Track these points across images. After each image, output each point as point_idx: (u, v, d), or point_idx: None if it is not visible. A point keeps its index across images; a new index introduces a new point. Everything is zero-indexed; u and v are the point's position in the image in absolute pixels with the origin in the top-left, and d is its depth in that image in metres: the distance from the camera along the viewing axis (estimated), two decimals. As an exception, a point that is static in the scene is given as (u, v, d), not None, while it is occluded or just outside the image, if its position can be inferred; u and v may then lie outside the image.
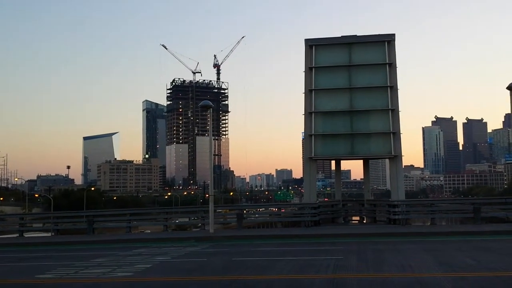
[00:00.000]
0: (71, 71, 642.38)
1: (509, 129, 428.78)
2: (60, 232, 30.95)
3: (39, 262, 18.45)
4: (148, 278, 13.30)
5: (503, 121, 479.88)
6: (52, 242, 26.73)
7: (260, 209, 43.39)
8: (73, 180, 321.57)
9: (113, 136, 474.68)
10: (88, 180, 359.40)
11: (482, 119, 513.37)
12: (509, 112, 24.76)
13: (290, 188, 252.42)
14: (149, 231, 38.86)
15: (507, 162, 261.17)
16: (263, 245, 21.40)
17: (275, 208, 46.14)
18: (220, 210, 34.38)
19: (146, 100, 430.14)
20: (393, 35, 31.78)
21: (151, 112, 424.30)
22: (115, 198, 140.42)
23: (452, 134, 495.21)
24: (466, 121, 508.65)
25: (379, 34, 32.49)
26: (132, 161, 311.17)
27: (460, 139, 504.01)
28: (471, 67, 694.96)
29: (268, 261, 15.87)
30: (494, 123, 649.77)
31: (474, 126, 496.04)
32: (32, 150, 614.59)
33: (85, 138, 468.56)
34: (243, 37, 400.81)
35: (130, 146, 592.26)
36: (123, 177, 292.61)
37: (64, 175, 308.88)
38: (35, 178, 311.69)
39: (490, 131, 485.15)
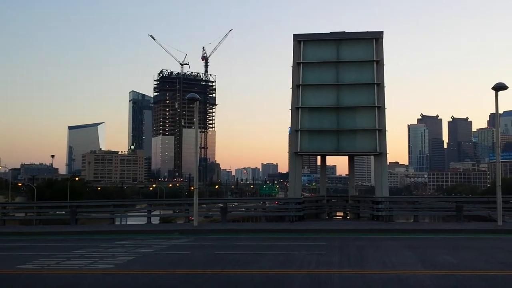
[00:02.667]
0: (58, 60, 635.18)
1: (493, 129, 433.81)
2: (43, 222, 30.64)
3: (20, 252, 18.25)
4: (130, 271, 13.23)
5: (488, 121, 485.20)
6: (34, 232, 26.46)
7: (245, 203, 43.39)
8: (57, 169, 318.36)
9: (98, 126, 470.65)
10: (73, 170, 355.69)
11: (467, 118, 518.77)
12: (494, 112, 25.01)
13: (276, 182, 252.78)
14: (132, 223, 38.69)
15: (491, 161, 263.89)
16: (247, 239, 21.43)
17: (260, 202, 46.19)
18: (205, 205, 34.31)
19: (133, 91, 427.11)
20: (381, 32, 31.90)
21: (138, 103, 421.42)
22: (99, 188, 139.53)
23: (437, 132, 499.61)
24: (451, 119, 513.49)
25: (367, 32, 32.60)
26: (118, 152, 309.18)
27: (445, 137, 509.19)
28: (457, 66, 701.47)
29: (251, 255, 15.88)
30: (479, 122, 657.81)
31: (459, 125, 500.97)
32: (16, 138, 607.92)
33: (70, 128, 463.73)
34: (230, 30, 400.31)
35: (115, 137, 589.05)
36: (108, 168, 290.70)
37: (48, 164, 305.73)
38: (18, 166, 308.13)
39: (475, 130, 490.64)
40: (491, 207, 26.63)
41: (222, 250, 17.56)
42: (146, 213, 30.25)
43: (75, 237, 24.06)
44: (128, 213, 34.85)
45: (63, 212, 30.57)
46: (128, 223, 33.73)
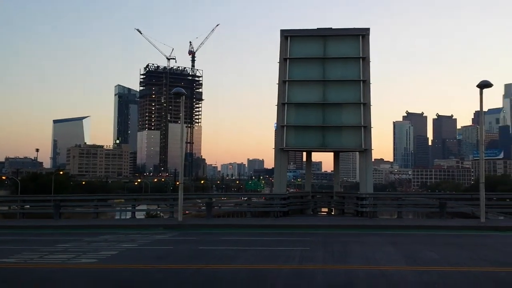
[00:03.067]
0: (43, 53, 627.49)
1: (477, 126, 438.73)
2: (26, 216, 30.30)
3: (3, 246, 18.01)
4: (113, 265, 13.14)
5: (472, 118, 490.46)
6: (17, 225, 26.17)
7: (230, 198, 43.36)
8: (41, 163, 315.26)
9: (83, 120, 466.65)
10: (57, 164, 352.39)
11: (452, 116, 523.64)
12: (479, 109, 25.23)
13: (261, 178, 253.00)
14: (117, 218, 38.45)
15: (474, 158, 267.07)
16: (231, 234, 21.40)
17: (245, 198, 46.20)
18: (190, 201, 34.20)
19: (119, 85, 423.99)
20: (368, 29, 31.96)
21: (123, 97, 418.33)
22: (83, 183, 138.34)
23: (422, 129, 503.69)
24: (436, 117, 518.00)
25: (354, 28, 32.62)
26: (103, 146, 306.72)
27: (430, 134, 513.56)
28: (443, 65, 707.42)
29: (235, 250, 15.86)
30: (464, 120, 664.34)
31: (444, 122, 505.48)
32: (0, 132, 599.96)
33: (55, 121, 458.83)
34: (217, 25, 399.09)
35: (101, 131, 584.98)
36: (93, 162, 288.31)
37: (32, 158, 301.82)
38: (3, 160, 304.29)
39: (459, 127, 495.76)
40: (474, 204, 26.92)
41: (207, 245, 17.51)
42: (130, 209, 30.05)
43: (59, 231, 23.80)
44: (112, 207, 34.57)
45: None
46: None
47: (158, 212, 34.43)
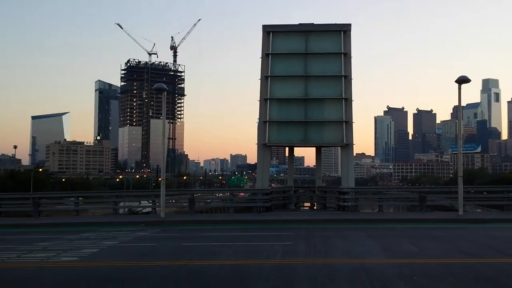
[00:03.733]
0: (21, 48, 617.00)
1: (456, 121, 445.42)
2: (4, 214, 29.84)
3: (-21, 246, 17.73)
4: (94, 263, 13.04)
5: (451, 113, 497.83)
6: (-5, 224, 25.72)
7: (213, 194, 43.33)
8: (20, 160, 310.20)
9: (63, 116, 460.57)
10: (36, 161, 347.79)
11: (431, 110, 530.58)
12: (457, 104, 25.61)
13: (244, 173, 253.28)
14: (97, 215, 38.09)
15: (453, 152, 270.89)
16: (214, 230, 21.40)
17: (227, 193, 46.25)
18: (172, 197, 34.03)
19: (99, 80, 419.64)
20: (349, 25, 32.15)
21: (104, 92, 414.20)
22: (63, 180, 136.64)
23: (403, 124, 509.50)
24: (416, 112, 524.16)
25: (335, 24, 32.80)
26: (83, 142, 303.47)
27: (410, 129, 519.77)
28: (423, 60, 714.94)
29: (218, 246, 15.88)
30: (443, 114, 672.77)
31: (424, 117, 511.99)
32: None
33: (33, 118, 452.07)
34: (199, 20, 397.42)
35: (81, 127, 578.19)
36: (73, 159, 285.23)
37: (10, 155, 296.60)
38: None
39: (439, 122, 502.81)
40: (453, 197, 27.33)
41: (189, 241, 17.49)
42: (112, 205, 29.81)
43: (38, 229, 23.48)
44: (93, 204, 34.25)
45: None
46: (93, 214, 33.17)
47: (140, 209, 34.19)
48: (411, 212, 30.38)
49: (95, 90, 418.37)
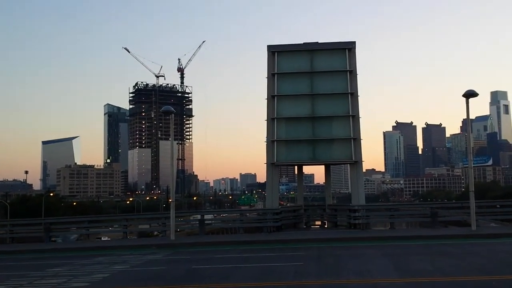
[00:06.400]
0: (31, 74, 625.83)
1: (466, 134, 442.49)
2: (16, 240, 29.93)
3: (-9, 273, 17.78)
4: (105, 289, 13.01)
5: (461, 126, 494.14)
6: (7, 251, 25.79)
7: (222, 215, 43.21)
8: (31, 185, 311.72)
9: (73, 141, 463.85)
10: (47, 185, 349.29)
11: (440, 124, 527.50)
12: (466, 117, 25.51)
13: (254, 192, 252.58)
14: (108, 238, 38.11)
15: (464, 166, 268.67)
16: (225, 251, 21.30)
17: (237, 214, 46.09)
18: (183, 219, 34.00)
19: (108, 104, 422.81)
20: (354, 42, 32.31)
21: (113, 116, 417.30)
22: (74, 203, 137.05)
23: (412, 138, 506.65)
24: (425, 126, 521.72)
25: (340, 42, 32.97)
26: (93, 165, 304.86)
27: (420, 143, 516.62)
28: (431, 74, 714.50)
29: (229, 268, 15.80)
30: (452, 128, 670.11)
31: (433, 131, 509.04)
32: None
33: (44, 142, 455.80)
34: (203, 42, 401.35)
35: (91, 151, 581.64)
36: (84, 182, 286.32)
37: (22, 180, 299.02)
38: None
39: (449, 136, 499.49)
40: (465, 212, 27.04)
41: (200, 263, 17.42)
42: (122, 228, 29.82)
43: (50, 254, 23.51)
44: (104, 228, 34.30)
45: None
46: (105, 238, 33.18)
47: (152, 232, 34.19)
48: (424, 228, 30.08)
49: (104, 114, 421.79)
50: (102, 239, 33.19)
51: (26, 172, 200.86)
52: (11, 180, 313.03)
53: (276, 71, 32.03)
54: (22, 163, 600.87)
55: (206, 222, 30.37)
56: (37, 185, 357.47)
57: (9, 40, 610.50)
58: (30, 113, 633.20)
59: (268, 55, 32.49)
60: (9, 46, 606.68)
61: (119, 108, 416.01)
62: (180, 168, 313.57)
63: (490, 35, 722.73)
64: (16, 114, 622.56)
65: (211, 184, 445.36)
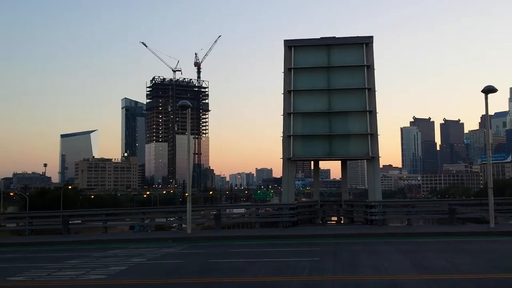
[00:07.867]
0: (49, 68, 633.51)
1: (484, 130, 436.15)
2: (35, 232, 30.40)
3: (11, 264, 18.10)
4: (122, 281, 13.13)
5: (479, 122, 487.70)
6: (26, 242, 26.22)
7: (238, 209, 43.34)
8: (50, 178, 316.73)
9: (91, 134, 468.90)
10: (66, 178, 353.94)
11: (459, 120, 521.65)
12: (485, 113, 25.17)
13: (270, 187, 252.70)
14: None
15: (483, 162, 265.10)
16: (241, 246, 21.35)
17: (253, 208, 46.16)
18: (197, 213, 34.13)
19: (125, 98, 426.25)
20: (371, 37, 32.01)
21: (131, 110, 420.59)
22: (92, 196, 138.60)
23: (430, 134, 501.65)
24: (443, 122, 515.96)
25: (357, 36, 32.69)
26: (111, 159, 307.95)
27: (438, 139, 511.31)
28: (449, 69, 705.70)
29: (245, 262, 15.82)
30: (471, 124, 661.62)
31: (451, 127, 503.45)
32: (8, 147, 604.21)
33: (62, 136, 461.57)
34: (219, 36, 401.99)
35: (108, 144, 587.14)
36: (101, 176, 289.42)
37: (40, 173, 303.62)
38: (11, 176, 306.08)
39: (467, 132, 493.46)
40: (484, 209, 26.70)
41: (216, 258, 17.48)
42: (139, 221, 30.06)
43: (68, 247, 23.83)
44: (121, 221, 34.61)
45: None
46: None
47: (170, 226, 34.42)
48: (441, 225, 29.79)
49: (122, 108, 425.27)
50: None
51: (45, 165, 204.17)
52: (30, 173, 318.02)
53: (292, 66, 31.90)
54: (41, 156, 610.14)
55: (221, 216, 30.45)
56: (55, 178, 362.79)
57: (29, 35, 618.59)
58: (49, 107, 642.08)
59: (284, 49, 32.34)
60: (30, 41, 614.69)
61: (136, 102, 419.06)
62: (196, 162, 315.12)
63: (511, 31, 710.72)
64: (35, 108, 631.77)
65: (227, 179, 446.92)
